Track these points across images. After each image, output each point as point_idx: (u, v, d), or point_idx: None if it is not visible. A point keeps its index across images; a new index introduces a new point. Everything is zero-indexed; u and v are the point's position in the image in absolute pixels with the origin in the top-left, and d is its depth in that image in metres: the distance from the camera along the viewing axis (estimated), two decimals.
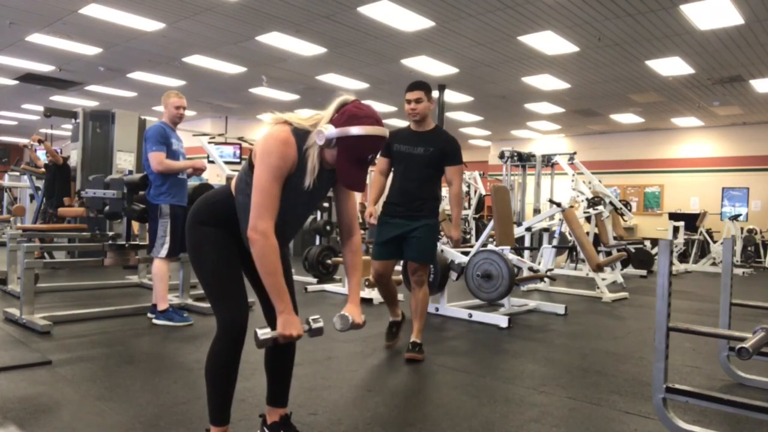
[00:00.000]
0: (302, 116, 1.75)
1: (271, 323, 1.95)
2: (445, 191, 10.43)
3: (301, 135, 1.71)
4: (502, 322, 4.39)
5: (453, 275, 4.79)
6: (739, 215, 12.78)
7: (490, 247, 4.92)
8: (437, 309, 4.81)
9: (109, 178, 4.84)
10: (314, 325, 1.79)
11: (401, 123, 15.35)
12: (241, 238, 1.85)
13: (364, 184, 1.74)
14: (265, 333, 1.66)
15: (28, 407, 2.32)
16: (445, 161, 3.48)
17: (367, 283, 5.10)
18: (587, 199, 7.56)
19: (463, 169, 4.35)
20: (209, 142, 8.63)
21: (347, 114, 1.66)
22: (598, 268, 6.10)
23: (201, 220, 1.88)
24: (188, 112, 14.88)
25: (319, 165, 1.72)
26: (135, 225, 5.72)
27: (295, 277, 3.77)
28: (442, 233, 8.71)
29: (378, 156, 2.89)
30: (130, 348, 3.38)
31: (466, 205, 11.04)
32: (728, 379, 3.07)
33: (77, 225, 6.64)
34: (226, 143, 13.07)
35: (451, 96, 11.36)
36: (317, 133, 1.67)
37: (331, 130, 1.66)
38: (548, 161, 9.10)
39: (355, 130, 1.64)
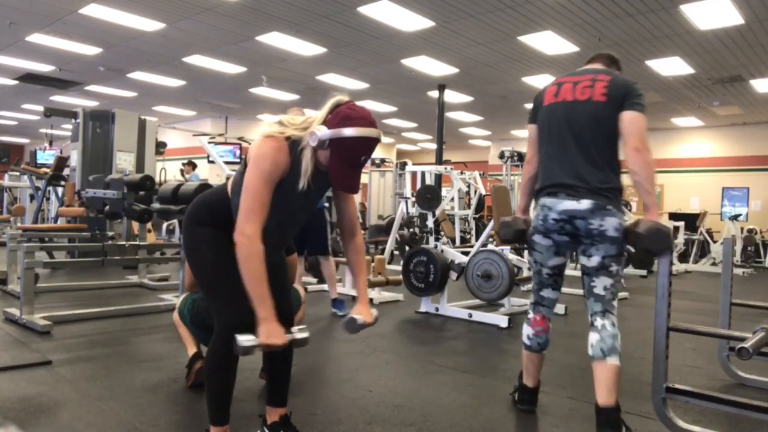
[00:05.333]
0: (296, 120, 1.73)
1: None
2: (445, 191, 10.43)
3: (295, 140, 1.71)
4: (502, 322, 4.39)
5: (453, 275, 4.78)
6: (739, 215, 12.78)
7: (490, 247, 4.92)
8: (437, 309, 4.80)
9: (109, 178, 4.84)
10: (298, 336, 1.73)
11: (401, 123, 15.34)
12: None
13: (357, 185, 1.73)
14: (246, 340, 1.59)
15: (28, 407, 2.32)
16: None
17: (367, 283, 5.10)
18: None
19: None
20: (209, 142, 8.63)
21: (340, 115, 1.65)
22: None
23: (198, 220, 1.87)
24: (188, 112, 14.94)
25: (314, 167, 1.71)
26: (135, 225, 5.73)
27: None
28: (442, 233, 8.73)
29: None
30: (130, 348, 3.38)
31: (466, 205, 11.04)
32: (728, 379, 3.07)
33: (77, 225, 6.63)
34: (226, 143, 13.07)
35: (451, 96, 11.35)
36: (310, 135, 1.66)
37: (323, 132, 1.64)
38: None
39: (348, 132, 1.63)
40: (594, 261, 2.25)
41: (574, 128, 2.29)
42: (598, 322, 2.25)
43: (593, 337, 2.23)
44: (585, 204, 2.21)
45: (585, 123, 2.27)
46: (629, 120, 2.19)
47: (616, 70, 2.46)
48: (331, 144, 1.65)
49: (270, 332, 1.61)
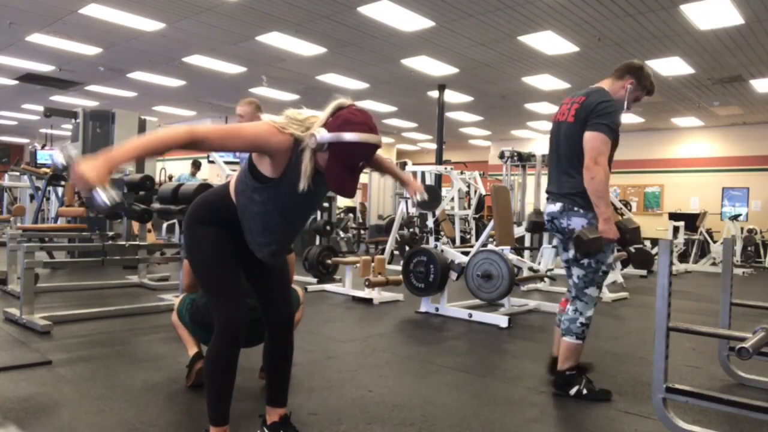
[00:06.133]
0: (299, 117, 1.72)
1: (269, 319, 1.98)
2: (445, 191, 10.43)
3: (297, 138, 1.70)
4: (502, 322, 4.39)
5: (453, 275, 4.78)
6: (739, 215, 12.77)
7: (490, 247, 4.92)
8: (437, 309, 4.80)
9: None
10: (103, 194, 1.47)
11: (401, 123, 15.34)
12: (240, 237, 1.85)
13: (353, 190, 1.72)
14: (69, 154, 1.46)
15: (28, 407, 2.32)
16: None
17: (367, 283, 5.10)
18: None
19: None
20: None
21: (341, 119, 1.64)
22: None
23: (199, 219, 1.88)
24: (188, 112, 14.94)
25: (313, 168, 1.69)
26: (135, 225, 5.73)
27: (296, 277, 3.77)
28: (442, 233, 8.74)
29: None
30: (130, 348, 3.38)
31: (466, 205, 11.04)
32: (728, 379, 3.07)
33: (77, 225, 6.63)
34: None
35: (451, 96, 11.34)
36: (309, 137, 1.65)
37: (323, 135, 1.63)
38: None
39: (349, 137, 1.61)
40: (569, 254, 2.73)
41: (557, 144, 2.77)
42: (567, 306, 2.78)
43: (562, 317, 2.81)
44: (558, 206, 2.73)
45: (562, 140, 2.73)
46: (586, 139, 2.58)
47: (631, 79, 2.77)
48: (330, 147, 1.64)
49: (94, 166, 1.44)
